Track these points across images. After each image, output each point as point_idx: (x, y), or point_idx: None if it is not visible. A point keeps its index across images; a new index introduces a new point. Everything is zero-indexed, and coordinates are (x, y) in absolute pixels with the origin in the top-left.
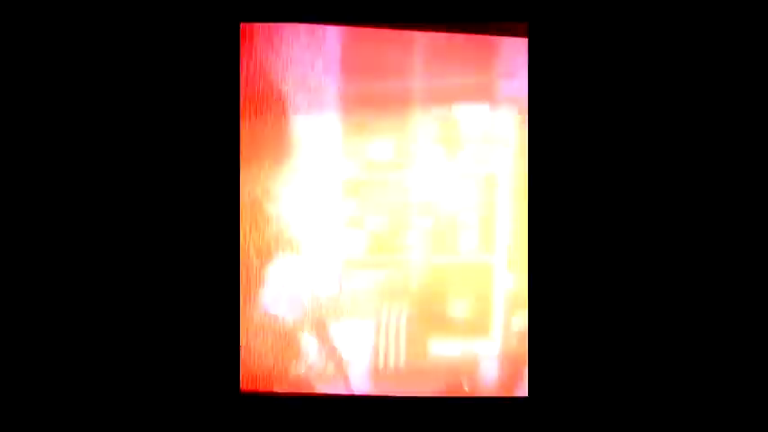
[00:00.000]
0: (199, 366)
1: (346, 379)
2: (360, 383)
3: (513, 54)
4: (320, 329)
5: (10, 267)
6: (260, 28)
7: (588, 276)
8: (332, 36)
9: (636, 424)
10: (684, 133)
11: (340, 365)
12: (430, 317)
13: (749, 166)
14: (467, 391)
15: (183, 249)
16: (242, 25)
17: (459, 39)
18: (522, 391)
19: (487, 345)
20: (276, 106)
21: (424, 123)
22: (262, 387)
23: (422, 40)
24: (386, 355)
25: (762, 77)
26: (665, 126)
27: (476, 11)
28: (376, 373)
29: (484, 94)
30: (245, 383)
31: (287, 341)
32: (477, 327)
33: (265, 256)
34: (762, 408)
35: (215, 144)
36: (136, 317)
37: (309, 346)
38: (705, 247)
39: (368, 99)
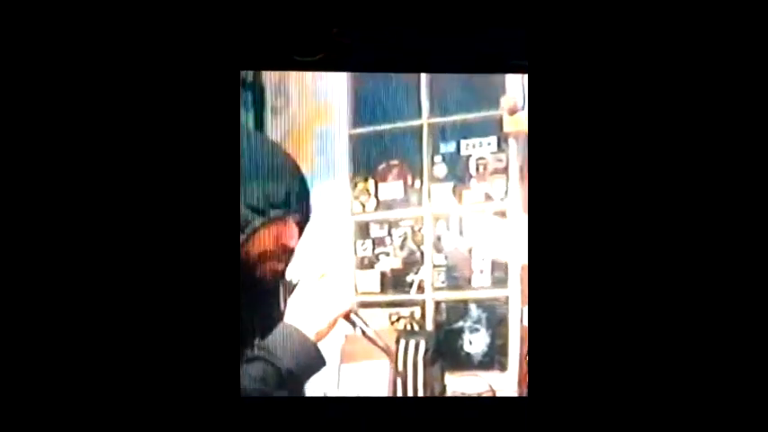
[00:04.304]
0: (200, 371)
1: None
2: None
3: (518, 89)
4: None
5: (13, 286)
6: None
7: (586, 281)
8: (340, 79)
9: (635, 424)
10: (683, 167)
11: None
12: (446, 353)
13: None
14: None
15: (186, 259)
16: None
17: (465, 77)
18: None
19: (504, 379)
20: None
21: (433, 160)
22: None
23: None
24: (404, 392)
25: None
26: (661, 161)
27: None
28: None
29: (491, 129)
30: None
31: None
32: (493, 361)
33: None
34: (761, 408)
35: (218, 179)
36: (139, 323)
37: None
38: (700, 256)
39: (377, 139)
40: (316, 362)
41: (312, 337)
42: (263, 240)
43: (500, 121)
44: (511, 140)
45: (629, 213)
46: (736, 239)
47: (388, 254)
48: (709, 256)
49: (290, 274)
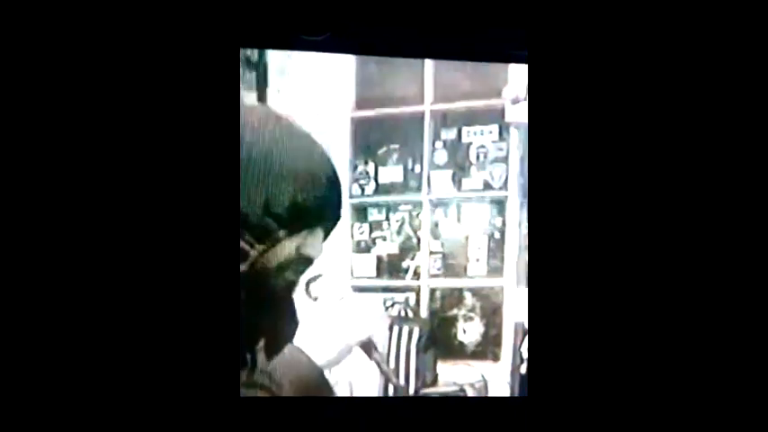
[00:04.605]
0: (199, 371)
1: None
2: None
3: (521, 79)
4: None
5: (12, 290)
6: (274, 53)
7: (585, 280)
8: (345, 61)
9: (634, 424)
10: (683, 160)
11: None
12: (440, 341)
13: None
14: None
15: (185, 256)
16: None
17: (469, 66)
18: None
19: (497, 369)
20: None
21: (434, 147)
22: None
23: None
24: (396, 380)
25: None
26: (658, 155)
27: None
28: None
29: (493, 117)
30: None
31: None
32: (486, 351)
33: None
34: (762, 408)
35: (215, 164)
36: (139, 324)
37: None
38: (701, 251)
39: (379, 123)
40: (321, 392)
41: (321, 363)
42: (283, 251)
43: (502, 111)
44: (512, 130)
45: (630, 207)
46: (736, 234)
47: (384, 238)
48: (710, 251)
49: (306, 290)
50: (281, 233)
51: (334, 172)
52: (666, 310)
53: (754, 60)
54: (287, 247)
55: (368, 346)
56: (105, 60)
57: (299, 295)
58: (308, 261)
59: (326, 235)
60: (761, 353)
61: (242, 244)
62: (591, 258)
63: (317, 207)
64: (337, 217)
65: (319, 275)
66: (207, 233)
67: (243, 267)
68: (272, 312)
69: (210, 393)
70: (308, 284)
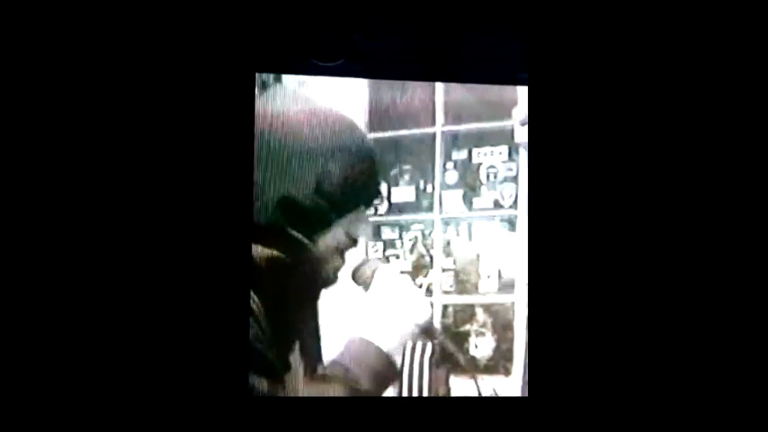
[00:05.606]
0: (209, 371)
1: None
2: None
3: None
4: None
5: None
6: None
7: (585, 282)
8: (359, 84)
9: (634, 424)
10: (681, 171)
11: None
12: (452, 356)
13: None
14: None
15: (200, 260)
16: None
17: (479, 88)
18: None
19: (508, 383)
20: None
21: (445, 167)
22: None
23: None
24: (409, 395)
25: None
26: (660, 168)
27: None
28: None
29: (503, 138)
30: None
31: None
32: (498, 366)
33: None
34: (761, 408)
35: (230, 182)
36: (151, 325)
37: None
38: (697, 260)
39: (391, 144)
40: (391, 375)
41: (388, 350)
42: (334, 235)
43: (511, 131)
44: (521, 150)
45: (627, 219)
46: (733, 246)
47: (398, 256)
48: (707, 260)
49: (354, 278)
50: (333, 215)
51: (372, 148)
52: (661, 312)
53: (757, 70)
54: (337, 231)
55: (429, 328)
56: (126, 85)
57: (343, 284)
58: (353, 242)
59: (367, 212)
60: (761, 352)
61: (294, 234)
62: (589, 267)
63: (363, 184)
64: (378, 193)
65: (366, 261)
66: (221, 238)
67: (292, 259)
68: (309, 306)
69: (220, 392)
70: (355, 272)
